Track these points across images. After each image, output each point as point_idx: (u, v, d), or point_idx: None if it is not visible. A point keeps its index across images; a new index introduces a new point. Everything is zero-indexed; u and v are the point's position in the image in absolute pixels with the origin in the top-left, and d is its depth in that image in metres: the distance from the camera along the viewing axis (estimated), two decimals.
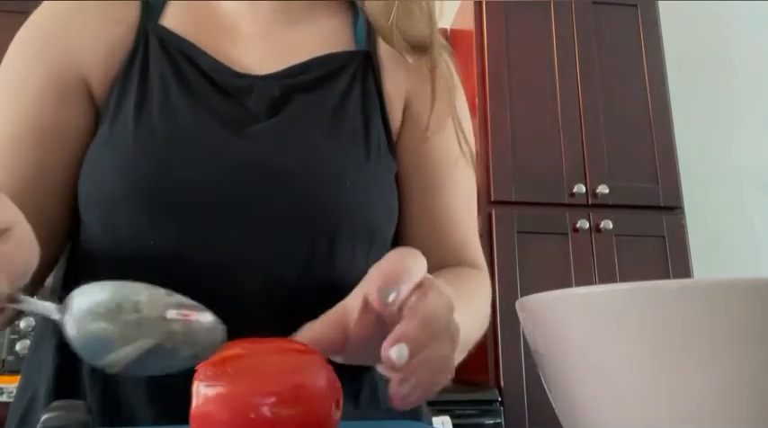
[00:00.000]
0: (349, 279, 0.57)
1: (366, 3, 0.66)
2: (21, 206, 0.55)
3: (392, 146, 0.64)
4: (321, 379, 0.31)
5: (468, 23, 2.16)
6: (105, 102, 0.59)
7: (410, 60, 0.64)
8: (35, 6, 0.63)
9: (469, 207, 0.69)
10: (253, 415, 0.29)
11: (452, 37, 2.41)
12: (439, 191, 0.65)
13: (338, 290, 0.55)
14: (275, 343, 0.33)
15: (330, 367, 0.33)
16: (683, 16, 2.55)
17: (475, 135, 1.99)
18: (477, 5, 2.09)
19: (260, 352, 0.32)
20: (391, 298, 0.36)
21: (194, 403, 0.30)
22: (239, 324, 0.52)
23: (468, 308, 0.56)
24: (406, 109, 0.65)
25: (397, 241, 0.64)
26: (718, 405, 0.26)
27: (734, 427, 0.26)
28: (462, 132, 0.65)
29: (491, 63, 2.03)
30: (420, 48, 0.64)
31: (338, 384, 0.32)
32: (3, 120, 0.57)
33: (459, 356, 0.57)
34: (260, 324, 0.53)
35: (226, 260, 0.54)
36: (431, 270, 0.62)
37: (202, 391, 0.30)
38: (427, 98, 0.64)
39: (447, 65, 0.66)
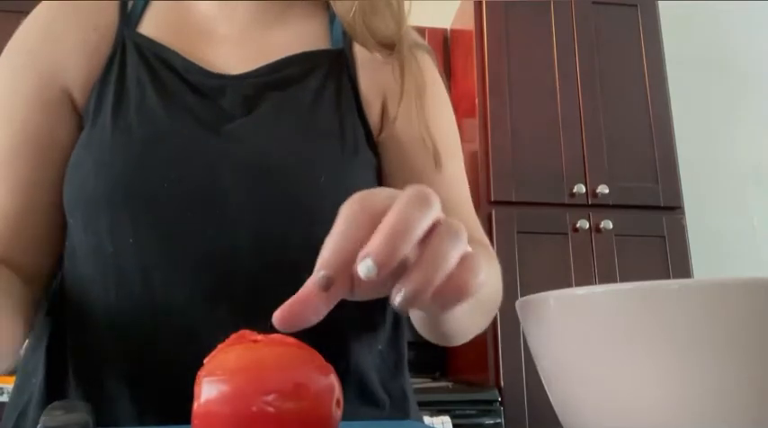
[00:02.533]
0: None
1: (334, 2, 0.66)
2: (17, 223, 0.57)
3: (371, 141, 0.64)
4: (321, 377, 0.31)
5: (468, 23, 2.16)
6: (85, 107, 0.60)
7: (379, 57, 0.64)
8: (34, 6, 0.64)
9: (463, 189, 0.68)
10: (254, 411, 0.29)
11: (452, 37, 2.41)
12: (428, 178, 0.64)
13: None
14: (276, 341, 0.33)
15: (330, 366, 0.33)
16: (683, 16, 2.55)
17: (475, 135, 2.01)
18: (477, 5, 2.09)
19: (261, 349, 0.32)
20: (371, 273, 0.30)
21: (197, 400, 0.31)
22: (219, 319, 0.53)
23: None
24: (387, 103, 0.66)
25: None
26: (719, 405, 0.26)
27: (734, 427, 0.26)
28: (427, 130, 0.64)
29: (491, 63, 2.03)
30: (388, 45, 0.64)
31: (338, 382, 0.33)
32: None
33: (480, 316, 0.57)
34: (238, 315, 0.54)
35: (204, 256, 0.55)
36: None
37: (205, 388, 0.30)
38: (397, 95, 0.65)
39: (417, 62, 0.66)
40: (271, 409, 0.29)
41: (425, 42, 0.71)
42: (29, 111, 0.59)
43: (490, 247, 0.67)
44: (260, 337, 0.33)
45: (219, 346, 0.33)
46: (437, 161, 0.64)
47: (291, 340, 0.34)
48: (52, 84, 0.60)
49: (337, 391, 0.32)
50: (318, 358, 0.33)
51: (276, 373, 0.30)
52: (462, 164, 0.70)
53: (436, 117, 0.67)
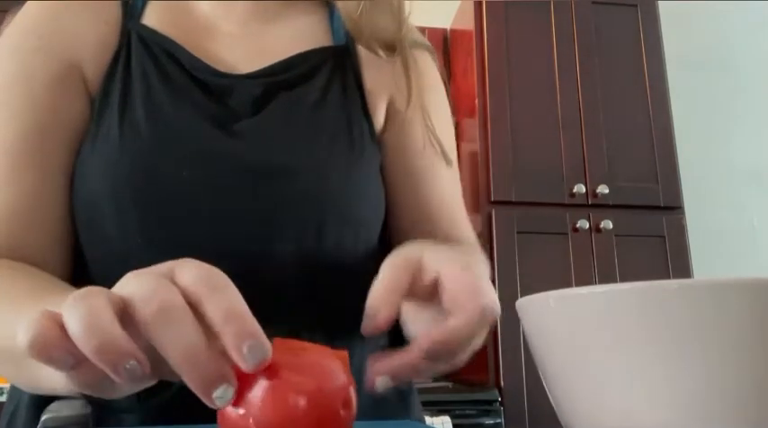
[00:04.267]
0: (335, 268, 0.58)
1: (338, 4, 0.67)
2: (47, 204, 0.56)
3: (375, 137, 0.65)
4: (337, 379, 0.32)
5: (468, 23, 2.16)
6: (93, 99, 0.59)
7: (383, 56, 0.65)
8: (19, 5, 0.62)
9: (456, 188, 0.70)
10: (285, 406, 0.29)
11: (452, 37, 2.41)
12: (427, 178, 0.66)
13: (324, 279, 0.55)
14: (307, 346, 0.34)
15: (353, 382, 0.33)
16: (683, 16, 2.55)
17: (475, 135, 2.01)
18: (477, 5, 2.09)
19: (305, 355, 0.32)
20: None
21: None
22: None
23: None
24: (390, 102, 0.67)
25: (389, 231, 0.66)
26: (719, 406, 0.26)
27: (734, 427, 0.26)
28: (431, 129, 0.65)
29: (491, 63, 2.03)
30: (389, 46, 0.65)
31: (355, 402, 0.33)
32: (10, 119, 0.57)
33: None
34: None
35: (212, 255, 0.55)
36: None
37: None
38: (404, 93, 0.66)
39: (417, 65, 0.67)
40: (297, 411, 0.29)
41: (426, 41, 0.71)
42: (50, 95, 0.58)
43: (477, 246, 0.68)
44: (308, 346, 0.34)
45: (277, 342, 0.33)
46: (447, 160, 0.66)
47: (329, 352, 0.34)
48: (69, 71, 0.59)
49: (353, 410, 0.33)
50: (339, 362, 0.33)
51: (309, 379, 0.31)
52: (456, 166, 0.71)
53: (438, 117, 0.67)
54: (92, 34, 0.60)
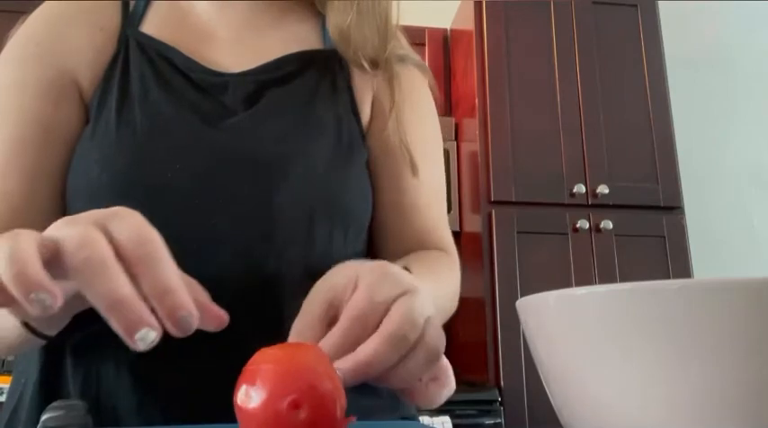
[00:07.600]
0: (327, 263, 0.59)
1: (328, 15, 0.70)
2: (22, 210, 0.57)
3: (363, 136, 0.67)
4: (328, 383, 0.32)
5: (468, 23, 2.16)
6: (90, 103, 0.62)
7: (368, 70, 0.68)
8: (34, 6, 0.64)
9: (437, 194, 0.72)
10: (279, 413, 0.30)
11: (452, 37, 2.41)
12: (405, 180, 0.68)
13: (316, 275, 0.56)
14: (301, 349, 0.34)
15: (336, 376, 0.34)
16: (683, 16, 2.55)
17: (475, 135, 2.01)
18: (477, 5, 2.09)
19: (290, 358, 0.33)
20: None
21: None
22: (220, 307, 0.54)
23: (435, 289, 0.58)
24: (374, 102, 0.69)
25: (369, 230, 0.68)
26: (719, 406, 0.26)
27: (734, 427, 0.26)
28: (403, 140, 0.68)
29: (491, 63, 2.03)
30: (374, 61, 0.68)
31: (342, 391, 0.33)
32: (3, 123, 0.60)
33: None
34: (238, 309, 0.55)
35: (206, 246, 0.56)
36: (398, 254, 0.67)
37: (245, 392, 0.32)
38: (387, 101, 0.69)
39: (399, 79, 0.70)
40: (298, 413, 0.30)
41: (418, 58, 0.74)
42: (39, 102, 0.60)
43: (452, 255, 0.70)
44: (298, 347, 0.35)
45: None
46: (414, 169, 0.68)
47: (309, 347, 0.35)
48: (63, 75, 0.61)
49: (342, 400, 0.33)
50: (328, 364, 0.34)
51: (305, 375, 0.31)
52: (441, 172, 0.73)
53: (417, 127, 0.70)
54: (86, 41, 0.63)
